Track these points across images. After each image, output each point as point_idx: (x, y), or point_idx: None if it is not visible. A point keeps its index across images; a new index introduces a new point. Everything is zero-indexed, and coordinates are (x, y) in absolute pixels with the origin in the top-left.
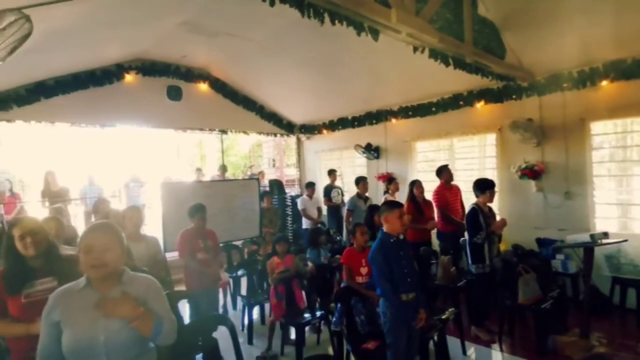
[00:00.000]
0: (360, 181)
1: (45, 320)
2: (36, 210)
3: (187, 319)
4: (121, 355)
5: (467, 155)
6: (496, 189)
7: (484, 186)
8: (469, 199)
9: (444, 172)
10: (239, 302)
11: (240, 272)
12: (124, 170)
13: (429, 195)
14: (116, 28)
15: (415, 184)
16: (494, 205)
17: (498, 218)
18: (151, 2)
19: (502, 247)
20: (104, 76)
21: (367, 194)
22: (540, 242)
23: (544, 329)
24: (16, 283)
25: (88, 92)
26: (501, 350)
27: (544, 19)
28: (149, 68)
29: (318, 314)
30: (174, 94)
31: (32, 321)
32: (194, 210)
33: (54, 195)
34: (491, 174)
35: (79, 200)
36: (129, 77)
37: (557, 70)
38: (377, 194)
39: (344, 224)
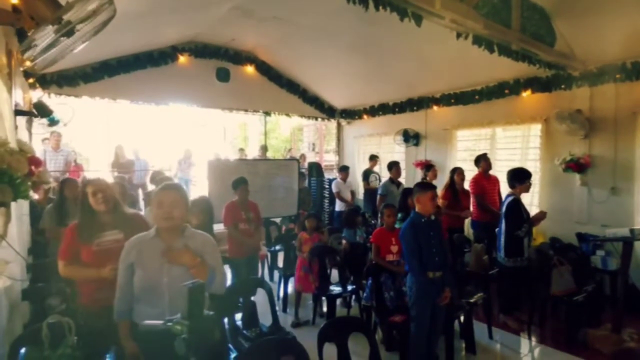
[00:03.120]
0: (393, 166)
1: (123, 262)
2: None
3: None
4: (180, 297)
5: (509, 146)
6: (537, 180)
7: (523, 176)
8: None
9: (482, 161)
10: (276, 275)
11: (277, 247)
12: (175, 148)
13: (467, 184)
14: (174, 13)
15: (457, 171)
16: (533, 197)
17: (533, 210)
18: None
19: (540, 239)
20: (160, 57)
21: (399, 179)
22: (580, 237)
23: (576, 321)
24: (88, 233)
25: (146, 72)
26: (529, 338)
27: (598, 6)
28: (201, 50)
29: (349, 288)
30: (223, 75)
31: (102, 266)
32: (237, 182)
33: (121, 167)
34: (533, 166)
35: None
36: (182, 59)
37: (610, 60)
38: (414, 180)
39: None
